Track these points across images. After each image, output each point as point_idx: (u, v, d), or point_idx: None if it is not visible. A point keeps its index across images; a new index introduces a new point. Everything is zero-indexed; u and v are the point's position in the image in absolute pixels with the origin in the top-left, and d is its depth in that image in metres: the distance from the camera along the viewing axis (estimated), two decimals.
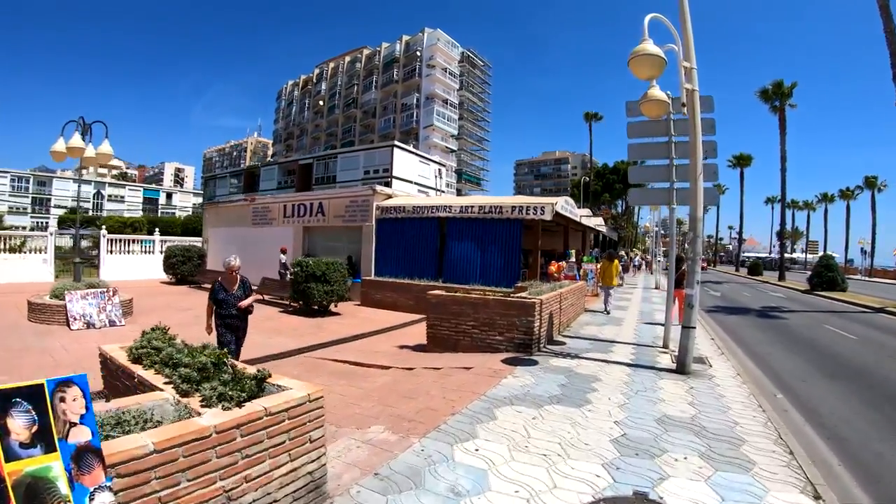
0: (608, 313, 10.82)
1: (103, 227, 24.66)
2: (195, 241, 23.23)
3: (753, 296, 20.06)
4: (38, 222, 65.30)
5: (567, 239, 15.06)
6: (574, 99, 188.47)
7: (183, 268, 18.67)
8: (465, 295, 6.65)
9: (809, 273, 24.11)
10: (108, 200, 73.51)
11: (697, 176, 5.51)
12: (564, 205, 12.36)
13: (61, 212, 55.03)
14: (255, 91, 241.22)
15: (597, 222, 22.02)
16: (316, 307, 11.86)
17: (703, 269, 22.24)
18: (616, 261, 11.73)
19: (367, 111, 64.09)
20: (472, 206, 11.81)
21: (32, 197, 70.55)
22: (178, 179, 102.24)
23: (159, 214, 62.36)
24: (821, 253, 72.80)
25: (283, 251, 15.18)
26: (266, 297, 13.64)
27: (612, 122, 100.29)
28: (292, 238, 17.40)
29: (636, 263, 34.30)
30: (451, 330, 6.79)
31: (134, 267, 20.80)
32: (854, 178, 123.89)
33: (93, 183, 76.12)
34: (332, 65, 71.09)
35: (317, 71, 73.58)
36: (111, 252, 20.67)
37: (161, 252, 20.78)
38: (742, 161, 48.59)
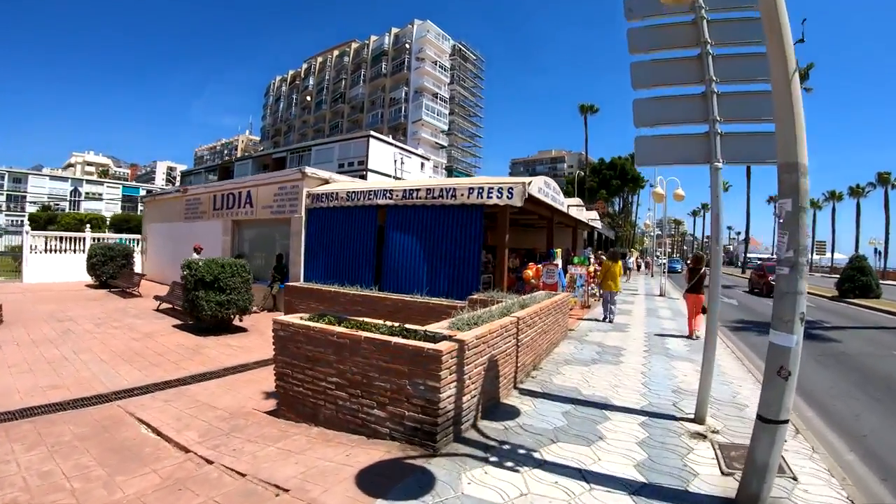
0: (610, 321, 9.36)
1: (27, 223, 21.67)
2: (135, 238, 20.41)
3: None
4: (12, 220, 62.81)
5: (551, 235, 11.98)
6: (571, 98, 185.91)
7: (105, 269, 15.95)
8: (326, 327, 3.54)
9: (838, 277, 20.96)
10: (85, 198, 71.02)
11: (791, 78, 2.40)
12: (543, 187, 9.20)
13: (36, 209, 52.29)
14: (252, 89, 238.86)
15: (590, 216, 18.88)
16: (217, 321, 8.85)
17: None
18: (619, 261, 10.37)
19: (354, 106, 61.30)
20: (419, 190, 8.68)
21: (7, 194, 68.75)
22: (171, 178, 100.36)
23: (139, 212, 59.74)
24: (828, 254, 70.21)
25: (197, 250, 12.08)
26: (175, 306, 10.95)
27: (609, 118, 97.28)
28: (221, 233, 14.36)
29: (629, 265, 31.33)
30: (307, 386, 3.70)
31: (61, 268, 18.02)
32: (861, 177, 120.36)
33: (70, 180, 73.39)
34: (319, 59, 68.48)
35: (305, 66, 70.94)
36: (34, 251, 17.76)
37: None
38: None
